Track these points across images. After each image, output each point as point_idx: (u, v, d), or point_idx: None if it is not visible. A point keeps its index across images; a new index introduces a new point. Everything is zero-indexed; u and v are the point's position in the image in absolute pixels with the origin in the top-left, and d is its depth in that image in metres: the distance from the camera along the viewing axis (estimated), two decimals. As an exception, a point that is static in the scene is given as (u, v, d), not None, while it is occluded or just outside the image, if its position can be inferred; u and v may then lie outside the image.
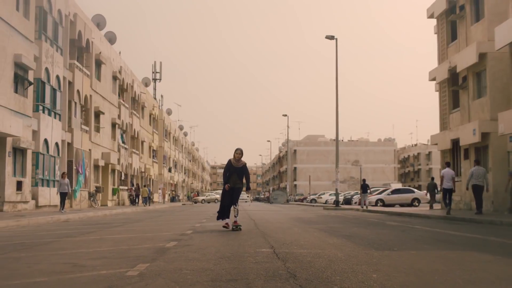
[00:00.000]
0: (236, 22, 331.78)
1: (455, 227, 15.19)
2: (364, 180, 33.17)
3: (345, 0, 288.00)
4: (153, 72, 75.96)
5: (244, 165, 12.81)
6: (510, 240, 10.45)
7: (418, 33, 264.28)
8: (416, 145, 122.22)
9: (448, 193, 20.79)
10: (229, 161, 12.82)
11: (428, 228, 14.37)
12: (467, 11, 27.04)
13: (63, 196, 25.08)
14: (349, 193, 58.20)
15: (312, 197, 72.02)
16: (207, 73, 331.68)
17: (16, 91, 25.35)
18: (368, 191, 33.04)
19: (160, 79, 76.40)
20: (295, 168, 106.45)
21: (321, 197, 65.53)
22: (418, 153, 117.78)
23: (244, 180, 12.86)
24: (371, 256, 7.35)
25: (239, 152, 12.70)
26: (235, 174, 12.71)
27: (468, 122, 26.42)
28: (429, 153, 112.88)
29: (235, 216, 12.52)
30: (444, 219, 19.84)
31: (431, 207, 29.21)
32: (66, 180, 25.38)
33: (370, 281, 5.22)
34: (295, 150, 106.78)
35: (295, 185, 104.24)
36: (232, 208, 12.75)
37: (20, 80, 25.87)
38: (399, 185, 76.64)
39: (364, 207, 31.55)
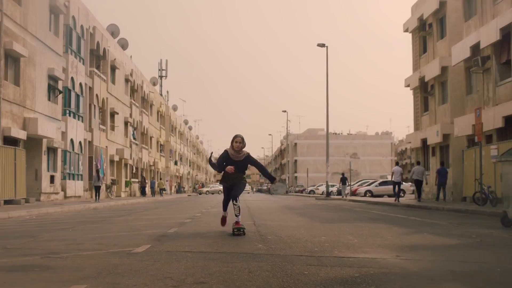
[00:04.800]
0: (238, 17, 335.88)
1: (402, 211, 19.74)
2: (343, 174, 38.03)
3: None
4: (159, 70, 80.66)
5: (248, 156, 9.81)
6: (423, 218, 14.98)
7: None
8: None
9: (397, 185, 25.81)
10: (226, 152, 9.79)
11: (379, 212, 18.92)
12: (434, 29, 31.50)
13: (97, 188, 30.28)
14: (343, 184, 62.70)
15: (310, 188, 76.45)
16: (211, 67, 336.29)
17: (49, 99, 29.94)
18: (347, 183, 37.79)
19: (166, 76, 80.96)
20: (295, 160, 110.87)
21: (318, 188, 69.86)
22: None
23: (248, 173, 11.99)
24: (312, 225, 11.94)
25: (239, 141, 9.66)
26: (235, 169, 9.73)
27: (435, 125, 30.93)
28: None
29: (236, 216, 9.71)
30: (407, 207, 24.39)
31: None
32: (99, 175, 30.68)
33: (297, 233, 9.81)
34: (295, 143, 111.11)
35: (296, 177, 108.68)
36: (231, 204, 9.94)
37: (52, 89, 30.45)
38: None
39: (344, 197, 36.41)
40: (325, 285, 4.70)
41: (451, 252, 7.27)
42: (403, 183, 51.11)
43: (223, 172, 9.89)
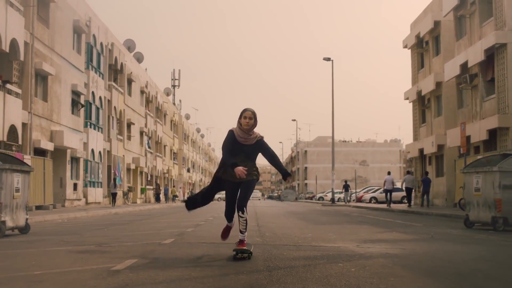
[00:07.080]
0: (248, 30, 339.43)
1: (394, 216, 21.94)
2: (345, 181, 40.55)
3: (357, 1, 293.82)
4: (172, 79, 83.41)
5: (260, 140, 7.19)
6: (406, 221, 17.21)
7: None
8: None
9: (388, 193, 28.27)
10: (231, 132, 7.12)
11: (372, 217, 21.14)
12: (430, 46, 33.75)
13: (114, 195, 33.04)
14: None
15: (319, 195, 78.85)
16: (222, 76, 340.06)
17: (72, 113, 32.48)
18: (349, 190, 40.29)
19: (179, 86, 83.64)
20: (305, 167, 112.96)
21: (326, 195, 72.20)
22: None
23: (255, 167, 7.22)
24: (306, 226, 14.23)
25: (249, 115, 7.01)
26: (241, 155, 7.10)
27: (431, 136, 33.12)
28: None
29: (241, 232, 7.18)
30: (401, 212, 26.59)
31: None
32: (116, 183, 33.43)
33: (291, 231, 12.11)
34: (305, 151, 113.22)
35: (306, 184, 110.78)
36: (236, 216, 7.32)
37: (75, 103, 33.00)
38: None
39: (347, 203, 38.87)
40: (294, 259, 7.04)
41: (400, 243, 9.52)
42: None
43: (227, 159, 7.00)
